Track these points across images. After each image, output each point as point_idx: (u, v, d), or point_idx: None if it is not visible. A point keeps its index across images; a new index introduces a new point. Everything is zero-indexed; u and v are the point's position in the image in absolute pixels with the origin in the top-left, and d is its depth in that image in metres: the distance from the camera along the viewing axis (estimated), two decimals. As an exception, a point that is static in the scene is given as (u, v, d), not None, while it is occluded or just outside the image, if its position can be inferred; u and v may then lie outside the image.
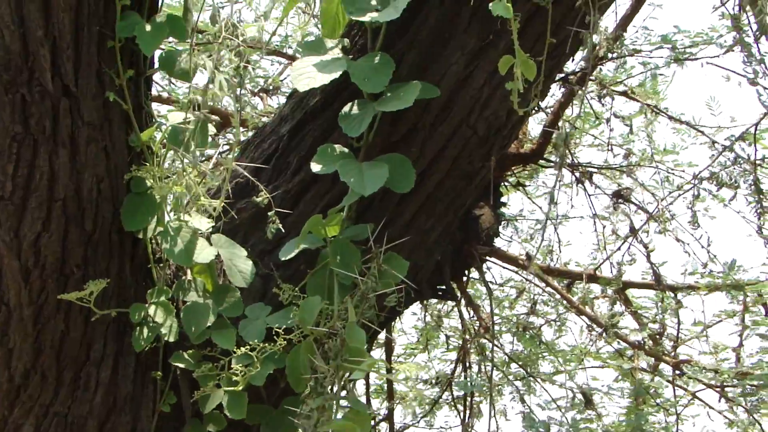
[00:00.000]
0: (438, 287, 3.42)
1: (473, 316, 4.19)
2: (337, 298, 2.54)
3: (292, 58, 5.00)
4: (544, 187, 4.82)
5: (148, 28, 2.60)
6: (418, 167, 2.70)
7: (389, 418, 4.56)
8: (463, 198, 2.95)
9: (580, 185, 4.33)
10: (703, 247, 4.08)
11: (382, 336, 3.90)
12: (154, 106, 3.59)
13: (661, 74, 4.25)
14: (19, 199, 2.56)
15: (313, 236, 2.65)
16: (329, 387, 2.42)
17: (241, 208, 2.89)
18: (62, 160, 2.56)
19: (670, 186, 4.32)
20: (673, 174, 4.37)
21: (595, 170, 4.40)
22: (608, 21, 4.50)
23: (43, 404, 2.74)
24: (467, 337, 4.25)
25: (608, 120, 4.35)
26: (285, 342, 2.56)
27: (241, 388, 2.64)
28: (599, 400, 4.67)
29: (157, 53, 2.78)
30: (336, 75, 2.61)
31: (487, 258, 3.76)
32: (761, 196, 3.85)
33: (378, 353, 4.74)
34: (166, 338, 2.73)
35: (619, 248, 4.15)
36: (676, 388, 4.22)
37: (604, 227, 4.40)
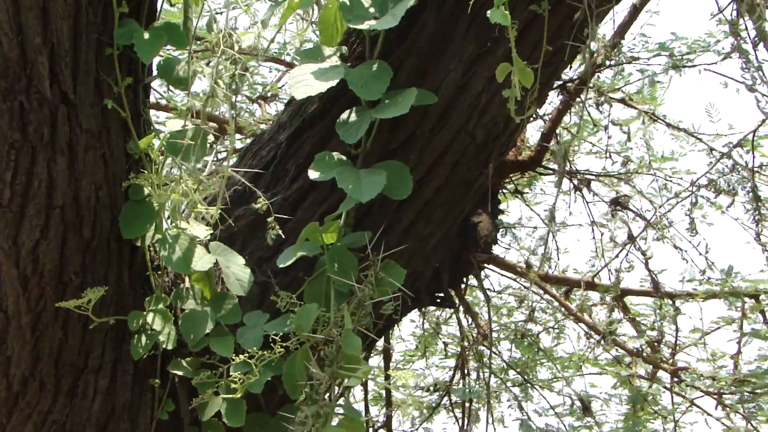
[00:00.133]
0: (436, 294, 3.42)
1: (471, 324, 4.19)
2: (333, 305, 2.54)
3: (290, 65, 5.01)
4: (543, 195, 4.83)
5: (146, 35, 2.61)
6: (416, 174, 2.70)
7: (387, 425, 4.56)
8: (461, 205, 2.95)
9: (578, 193, 4.34)
10: (701, 254, 4.09)
11: (380, 343, 3.90)
12: (153, 113, 3.60)
13: (659, 81, 4.25)
14: (17, 207, 2.56)
15: (311, 244, 2.65)
16: (324, 394, 2.42)
17: (239, 216, 2.89)
18: (60, 167, 2.56)
19: (668, 193, 4.32)
20: (671, 181, 4.37)
21: (594, 177, 4.40)
22: (606, 28, 4.51)
23: (41, 411, 2.74)
24: (465, 344, 4.25)
25: (606, 127, 4.36)
26: (283, 349, 2.56)
27: (239, 395, 2.64)
28: (597, 407, 4.67)
29: (156, 60, 2.78)
30: (334, 82, 2.62)
31: (486, 265, 3.77)
32: (759, 203, 3.86)
33: (376, 360, 4.74)
34: (164, 346, 2.73)
35: (617, 255, 4.15)
36: (673, 395, 4.22)
37: (602, 234, 4.40)
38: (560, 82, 3.86)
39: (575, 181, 4.35)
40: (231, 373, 2.64)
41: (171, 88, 4.96)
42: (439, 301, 3.49)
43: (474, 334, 4.22)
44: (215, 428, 2.72)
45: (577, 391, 4.55)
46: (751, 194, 3.86)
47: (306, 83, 2.63)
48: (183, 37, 2.69)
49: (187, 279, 2.84)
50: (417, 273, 3.01)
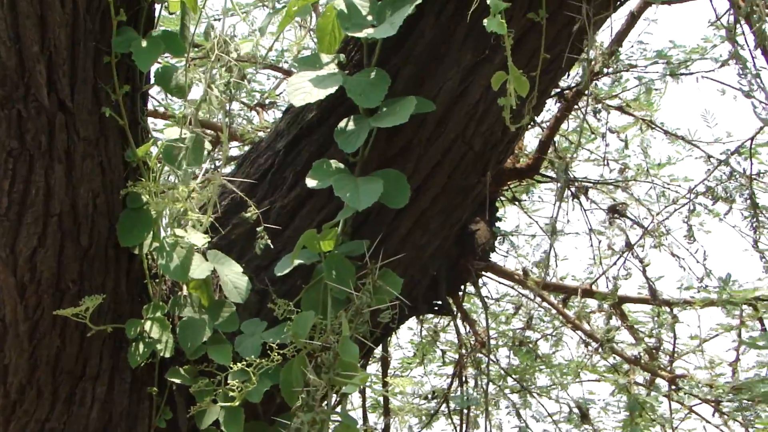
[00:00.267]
0: (434, 302, 3.42)
1: (469, 331, 4.19)
2: (331, 313, 2.54)
3: (288, 73, 5.01)
4: (541, 202, 4.83)
5: (144, 43, 2.61)
6: (413, 182, 2.70)
7: (385, 432, 4.55)
8: (458, 213, 2.95)
9: (575, 200, 4.34)
10: (698, 261, 4.09)
11: (378, 351, 3.90)
12: (150, 120, 3.60)
13: (656, 89, 4.26)
14: (14, 215, 2.56)
15: (309, 252, 2.65)
16: (321, 401, 2.42)
17: (236, 224, 2.89)
18: (58, 175, 2.56)
19: (665, 200, 4.33)
20: (669, 189, 4.37)
21: (591, 185, 4.40)
22: (604, 36, 4.52)
23: (38, 420, 2.73)
24: (463, 351, 4.24)
25: (604, 135, 4.36)
26: (280, 357, 2.56)
27: (237, 403, 2.64)
28: (595, 414, 4.67)
29: (153, 68, 2.78)
30: (332, 90, 2.62)
31: (483, 273, 3.77)
32: (757, 211, 3.86)
33: (374, 368, 4.74)
34: (162, 354, 2.72)
35: (614, 263, 4.15)
36: (671, 402, 4.21)
37: (599, 242, 4.40)
38: (558, 90, 3.86)
39: (573, 189, 4.35)
40: (229, 381, 2.64)
41: (169, 95, 4.97)
42: (436, 309, 3.49)
43: (472, 342, 4.22)
44: (213, 436, 2.72)
45: (575, 399, 4.55)
46: (748, 201, 3.86)
47: (304, 91, 2.63)
48: (181, 45, 2.69)
49: (184, 287, 2.84)
50: (414, 281, 3.01)
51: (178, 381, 2.74)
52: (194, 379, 2.71)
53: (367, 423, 4.37)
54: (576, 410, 4.51)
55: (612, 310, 4.15)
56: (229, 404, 2.64)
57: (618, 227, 4.24)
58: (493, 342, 4.57)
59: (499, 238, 4.06)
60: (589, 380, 4.72)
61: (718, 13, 2.96)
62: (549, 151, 3.97)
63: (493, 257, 3.74)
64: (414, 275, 2.96)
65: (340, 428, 2.39)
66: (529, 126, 3.40)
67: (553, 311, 4.39)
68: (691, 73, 4.05)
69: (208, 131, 4.28)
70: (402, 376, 5.19)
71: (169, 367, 2.76)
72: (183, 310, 2.79)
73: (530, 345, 4.64)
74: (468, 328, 4.20)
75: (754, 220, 3.85)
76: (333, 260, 2.63)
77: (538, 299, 4.30)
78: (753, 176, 3.89)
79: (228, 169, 3.43)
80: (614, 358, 4.29)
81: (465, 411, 4.33)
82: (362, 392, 4.20)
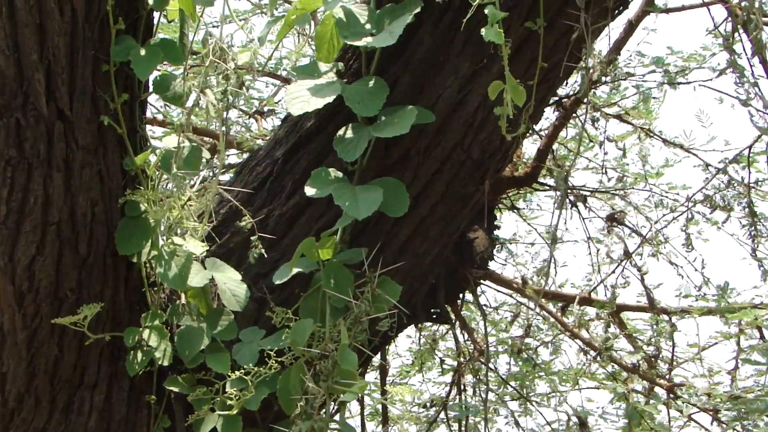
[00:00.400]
0: (432, 310, 3.42)
1: (468, 339, 4.19)
2: (329, 320, 2.54)
3: (286, 80, 5.01)
4: (539, 210, 4.83)
5: (142, 52, 2.61)
6: (412, 191, 2.70)
7: (384, 440, 4.55)
8: (457, 221, 2.95)
9: (574, 208, 4.34)
10: (696, 270, 4.09)
11: (376, 359, 3.90)
12: (149, 128, 3.60)
13: (654, 98, 4.26)
14: (13, 223, 2.56)
15: (307, 260, 2.65)
16: (320, 409, 2.42)
17: (235, 232, 2.89)
18: (57, 183, 2.57)
19: (664, 209, 4.33)
20: (667, 197, 4.37)
21: (589, 193, 4.40)
22: (602, 44, 4.52)
23: (36, 428, 2.73)
24: (462, 359, 4.24)
25: (602, 143, 4.36)
26: (278, 365, 2.56)
27: (235, 412, 2.64)
28: (594, 422, 4.67)
29: (152, 76, 2.78)
30: (330, 99, 2.62)
31: (482, 281, 3.77)
32: (755, 219, 3.86)
33: (372, 376, 4.73)
34: (160, 362, 2.73)
35: (613, 271, 4.15)
36: (670, 410, 4.21)
37: (598, 250, 4.40)
38: (556, 98, 3.87)
39: (571, 197, 4.35)
40: (227, 390, 2.64)
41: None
42: (435, 317, 3.49)
43: (470, 350, 4.22)
44: (211, 444, 2.72)
45: (574, 407, 4.55)
46: (746, 210, 3.87)
47: (302, 99, 2.64)
48: (179, 53, 2.70)
49: (183, 295, 2.84)
50: (413, 289, 3.01)
51: (176, 389, 2.74)
52: (192, 388, 2.70)
53: (365, 431, 4.38)
54: (575, 419, 4.51)
55: (610, 318, 4.14)
56: (227, 412, 2.64)
57: (616, 235, 4.24)
58: (491, 349, 4.56)
59: (497, 246, 4.07)
60: (587, 388, 4.72)
61: (716, 22, 2.97)
62: (547, 160, 3.97)
63: (492, 265, 3.74)
64: (412, 283, 2.96)
65: (338, 436, 2.40)
66: (528, 134, 3.41)
67: (552, 319, 4.39)
68: (689, 82, 4.05)
69: (207, 139, 4.29)
70: (401, 384, 5.18)
71: (168, 375, 2.76)
72: (181, 318, 2.79)
73: (529, 352, 4.64)
74: (466, 336, 4.19)
75: (752, 228, 3.85)
76: (331, 268, 2.63)
77: (537, 307, 4.29)
78: (751, 185, 3.89)
79: (226, 177, 3.44)
80: (613, 366, 4.29)
81: (464, 419, 4.33)
82: (361, 400, 4.20)
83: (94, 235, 2.66)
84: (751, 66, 2.72)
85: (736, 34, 2.70)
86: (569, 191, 4.30)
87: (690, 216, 4.05)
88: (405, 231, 2.83)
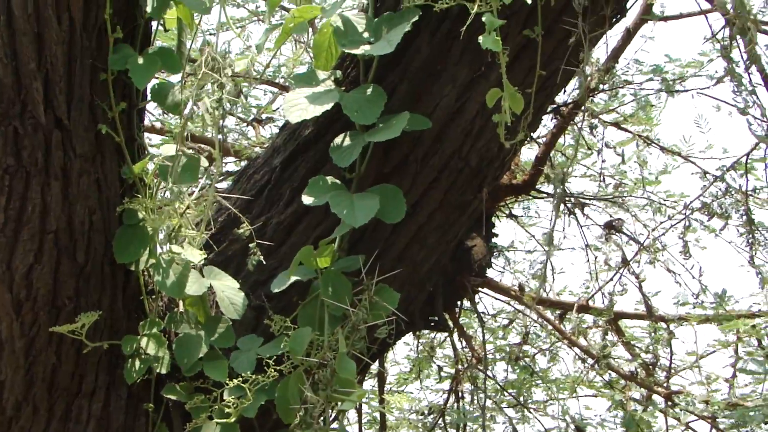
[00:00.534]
0: (430, 318, 3.42)
1: (465, 347, 4.19)
2: (327, 329, 2.54)
3: (284, 88, 5.01)
4: (537, 217, 4.83)
5: (140, 60, 2.61)
6: (410, 198, 2.70)
7: (382, 448, 4.55)
8: (455, 229, 2.95)
9: (572, 216, 4.34)
10: (694, 277, 4.09)
11: (374, 366, 3.89)
12: (147, 136, 3.60)
13: (653, 105, 4.26)
14: (11, 232, 2.56)
15: (305, 268, 2.65)
16: (319, 418, 2.42)
17: (233, 240, 2.89)
18: (54, 192, 2.57)
19: (661, 216, 4.33)
20: (665, 205, 4.37)
21: (587, 201, 4.40)
22: (600, 52, 4.53)
23: (34, 436, 2.74)
24: (460, 367, 4.24)
25: (600, 151, 4.36)
26: (276, 373, 2.56)
27: (233, 419, 2.63)
28: (592, 430, 4.67)
29: (150, 84, 2.78)
30: (328, 107, 2.62)
31: (480, 289, 3.76)
32: (753, 227, 3.86)
33: (370, 383, 4.73)
34: (158, 370, 2.73)
35: (611, 279, 4.15)
36: (668, 418, 4.21)
37: (596, 258, 4.40)
38: (554, 106, 3.87)
39: (569, 205, 4.35)
40: (225, 398, 2.64)
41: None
42: (433, 324, 3.49)
43: (468, 357, 4.22)
44: (209, 452, 2.72)
45: (571, 415, 4.55)
46: (744, 217, 3.87)
47: (300, 107, 2.64)
48: (177, 61, 2.70)
49: (181, 303, 2.84)
50: (411, 297, 3.01)
51: (174, 397, 2.74)
52: (190, 396, 2.70)
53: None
54: (572, 426, 4.51)
55: (608, 325, 4.14)
56: (224, 420, 2.64)
57: (614, 243, 4.24)
58: (489, 356, 4.56)
59: (495, 253, 4.07)
60: (585, 395, 4.72)
61: (713, 30, 2.98)
62: (545, 167, 3.97)
63: (490, 273, 3.74)
64: (410, 291, 2.96)
65: (337, 445, 2.40)
66: (526, 142, 3.41)
67: (550, 327, 4.39)
68: (687, 90, 4.05)
69: (205, 147, 4.29)
70: (399, 392, 5.19)
71: (166, 383, 2.76)
72: (179, 326, 2.79)
73: (527, 360, 4.64)
74: (464, 343, 4.19)
75: (750, 236, 3.85)
76: (329, 276, 2.63)
77: (534, 315, 4.29)
78: (749, 192, 3.90)
79: (225, 185, 3.44)
80: (610, 373, 4.29)
81: (462, 426, 4.33)
82: (359, 408, 4.20)
83: (91, 243, 2.66)
84: (748, 74, 2.72)
85: (733, 42, 2.70)
86: (567, 197, 4.30)
87: (688, 224, 4.05)
88: (403, 239, 2.83)
